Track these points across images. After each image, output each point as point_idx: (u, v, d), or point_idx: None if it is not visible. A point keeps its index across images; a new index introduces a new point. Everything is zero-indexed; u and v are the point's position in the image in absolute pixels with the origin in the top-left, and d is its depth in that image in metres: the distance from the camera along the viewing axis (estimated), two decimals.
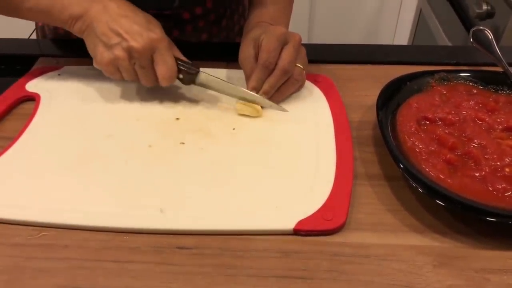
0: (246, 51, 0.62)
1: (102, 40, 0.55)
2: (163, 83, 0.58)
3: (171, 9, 0.71)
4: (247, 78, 0.61)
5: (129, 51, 0.55)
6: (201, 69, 0.60)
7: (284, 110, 0.60)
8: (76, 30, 0.57)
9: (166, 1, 0.70)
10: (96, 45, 0.56)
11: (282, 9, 0.71)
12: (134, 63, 0.56)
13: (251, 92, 0.59)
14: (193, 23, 0.76)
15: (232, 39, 0.84)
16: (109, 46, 0.55)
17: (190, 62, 0.60)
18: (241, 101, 0.60)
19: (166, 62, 0.57)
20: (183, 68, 0.59)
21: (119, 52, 0.55)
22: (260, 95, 0.59)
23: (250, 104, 0.59)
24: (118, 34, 0.54)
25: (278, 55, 0.58)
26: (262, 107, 0.60)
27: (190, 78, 0.60)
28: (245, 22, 0.71)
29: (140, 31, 0.55)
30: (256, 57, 0.60)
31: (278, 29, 0.60)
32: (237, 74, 0.64)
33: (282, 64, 0.58)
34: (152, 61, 0.57)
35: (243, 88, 0.60)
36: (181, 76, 0.60)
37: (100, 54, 0.56)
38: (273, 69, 0.59)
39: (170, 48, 0.58)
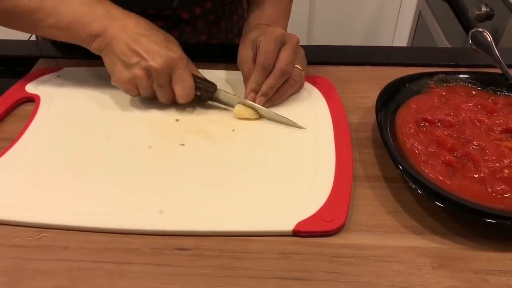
0: (244, 53, 0.62)
1: (121, 59, 0.56)
2: (181, 101, 0.59)
3: (170, 9, 0.72)
4: (245, 80, 0.62)
5: (148, 71, 0.55)
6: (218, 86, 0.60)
7: (301, 127, 0.58)
8: (94, 48, 0.58)
9: (165, 1, 0.70)
10: (115, 63, 0.57)
11: (281, 10, 0.71)
12: (152, 82, 0.57)
13: (266, 109, 0.59)
14: (192, 23, 0.77)
15: (231, 40, 0.84)
16: (128, 65, 0.56)
17: (207, 79, 0.60)
18: (239, 104, 0.60)
19: (184, 81, 0.57)
20: (201, 86, 0.59)
21: (138, 71, 0.55)
22: (259, 97, 0.59)
23: (249, 106, 0.59)
24: (138, 54, 0.55)
25: (276, 56, 0.59)
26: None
27: (208, 96, 0.60)
28: (244, 23, 0.71)
29: (159, 50, 0.55)
30: (254, 59, 0.61)
31: (276, 31, 0.60)
32: (236, 76, 0.65)
33: (280, 66, 0.58)
34: (170, 80, 0.57)
35: (260, 106, 0.59)
36: (198, 93, 0.60)
37: (119, 72, 0.57)
38: (271, 71, 0.59)
39: (188, 66, 0.58)
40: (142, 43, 0.55)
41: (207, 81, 0.60)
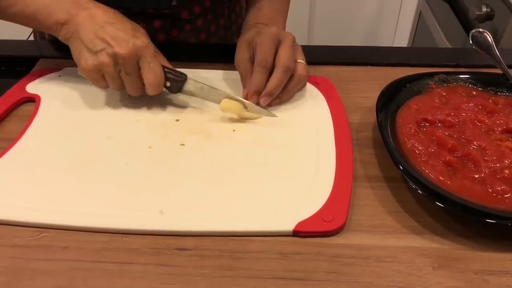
0: (240, 54, 0.62)
1: (87, 46, 0.55)
2: (150, 91, 0.57)
3: (169, 8, 0.72)
4: (243, 80, 0.62)
5: (114, 57, 0.54)
6: (188, 76, 0.60)
7: (274, 115, 0.59)
8: (61, 36, 0.57)
9: (164, 0, 0.70)
10: (81, 51, 0.56)
11: (278, 8, 0.71)
12: (120, 71, 0.56)
13: (239, 98, 0.59)
14: (192, 22, 0.77)
15: (230, 37, 0.85)
16: (94, 52, 0.55)
17: (177, 70, 0.60)
18: (226, 99, 0.59)
19: (152, 69, 0.56)
20: (170, 76, 0.58)
21: (104, 58, 0.54)
22: (263, 96, 0.59)
23: (235, 101, 0.59)
24: (104, 41, 0.54)
25: (274, 54, 0.59)
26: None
27: (178, 86, 0.59)
28: (242, 21, 0.71)
29: (125, 37, 0.54)
30: (251, 59, 0.61)
31: (271, 29, 0.60)
32: (234, 76, 0.64)
33: (282, 62, 0.58)
34: (138, 69, 0.56)
35: (232, 95, 0.59)
36: (168, 84, 0.59)
37: (84, 60, 0.55)
38: (271, 70, 0.59)
39: (156, 55, 0.57)
40: (109, 30, 0.55)
41: (176, 71, 0.59)
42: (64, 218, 0.46)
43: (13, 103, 0.62)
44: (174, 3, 0.70)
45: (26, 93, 0.63)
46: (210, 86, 0.60)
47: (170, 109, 0.61)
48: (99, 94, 0.63)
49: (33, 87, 0.64)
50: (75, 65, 0.70)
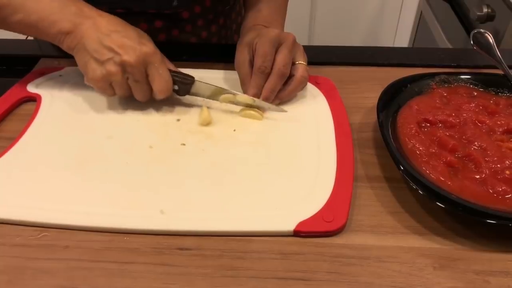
0: (240, 56, 0.62)
1: (93, 56, 0.54)
2: (159, 96, 0.58)
3: (170, 8, 0.72)
4: (242, 83, 0.62)
5: (122, 66, 0.54)
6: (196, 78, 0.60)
7: (283, 110, 0.60)
8: (65, 46, 0.56)
9: (165, 0, 0.70)
10: (87, 61, 0.55)
11: (277, 9, 0.71)
12: (127, 78, 0.56)
13: (247, 96, 0.59)
14: (192, 22, 0.77)
15: (230, 36, 0.85)
16: (101, 62, 0.54)
17: (183, 72, 0.60)
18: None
19: (161, 75, 0.56)
20: (178, 79, 0.59)
21: (111, 67, 0.54)
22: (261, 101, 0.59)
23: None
24: (110, 49, 0.54)
25: (273, 58, 0.59)
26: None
27: (186, 89, 0.60)
28: (242, 21, 0.71)
29: (132, 45, 0.54)
30: (251, 62, 0.61)
31: (271, 32, 0.60)
32: (234, 75, 0.64)
33: (277, 68, 0.58)
34: (146, 75, 0.56)
35: (239, 93, 0.59)
36: (176, 87, 0.59)
37: (92, 70, 0.55)
38: (269, 73, 0.59)
39: (163, 60, 0.57)
40: (115, 38, 0.54)
41: (183, 74, 0.59)
42: (65, 218, 0.46)
43: (14, 102, 0.62)
44: (175, 3, 0.70)
45: (27, 92, 0.63)
46: (218, 86, 0.60)
47: (171, 108, 0.61)
48: (100, 93, 0.63)
49: (34, 87, 0.64)
50: (76, 65, 0.70)
